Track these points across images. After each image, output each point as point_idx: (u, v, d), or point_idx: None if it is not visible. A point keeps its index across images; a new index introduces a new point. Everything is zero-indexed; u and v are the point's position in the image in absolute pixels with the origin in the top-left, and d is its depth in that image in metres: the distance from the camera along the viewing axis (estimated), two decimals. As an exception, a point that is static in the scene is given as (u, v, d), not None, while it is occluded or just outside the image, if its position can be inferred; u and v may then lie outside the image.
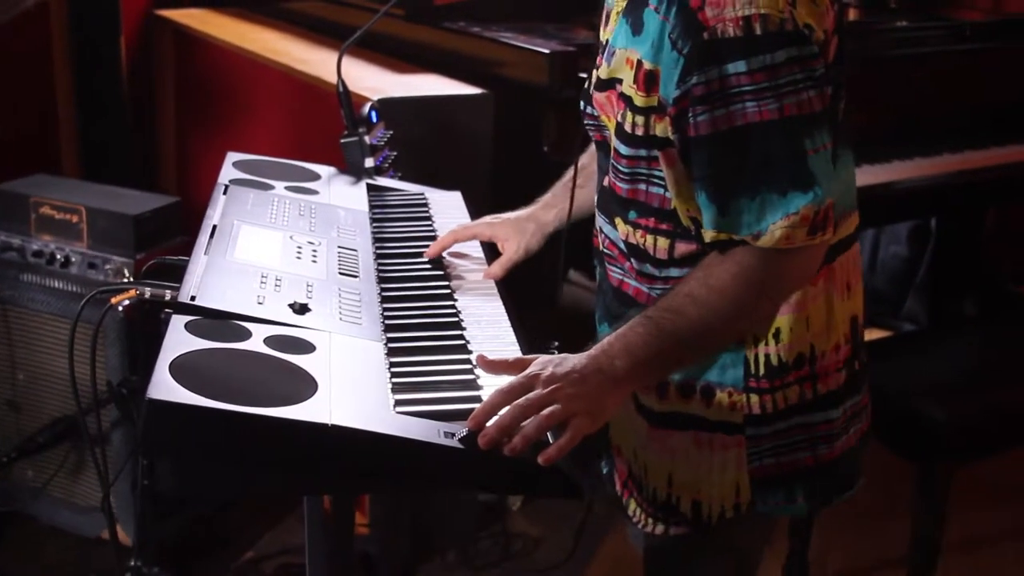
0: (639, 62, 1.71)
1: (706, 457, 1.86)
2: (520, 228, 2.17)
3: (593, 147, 2.01)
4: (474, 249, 2.24)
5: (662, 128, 1.71)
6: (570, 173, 2.14)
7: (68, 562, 3.26)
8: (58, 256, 3.21)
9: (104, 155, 4.39)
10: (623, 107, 1.76)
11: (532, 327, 1.95)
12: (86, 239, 3.22)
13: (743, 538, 2.00)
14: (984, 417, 2.94)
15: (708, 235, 1.69)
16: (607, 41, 1.83)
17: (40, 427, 3.23)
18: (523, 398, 1.56)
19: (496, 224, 2.21)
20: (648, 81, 1.70)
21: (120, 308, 2.94)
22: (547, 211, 2.18)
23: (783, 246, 1.62)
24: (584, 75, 2.08)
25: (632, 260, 1.86)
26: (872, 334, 4.49)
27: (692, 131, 1.65)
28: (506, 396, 1.57)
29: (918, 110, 3.65)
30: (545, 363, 1.62)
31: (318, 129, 3.13)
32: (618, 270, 1.91)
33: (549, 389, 1.58)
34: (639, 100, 1.72)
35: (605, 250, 1.94)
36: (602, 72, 1.83)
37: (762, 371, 1.81)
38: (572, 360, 1.63)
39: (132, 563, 3.02)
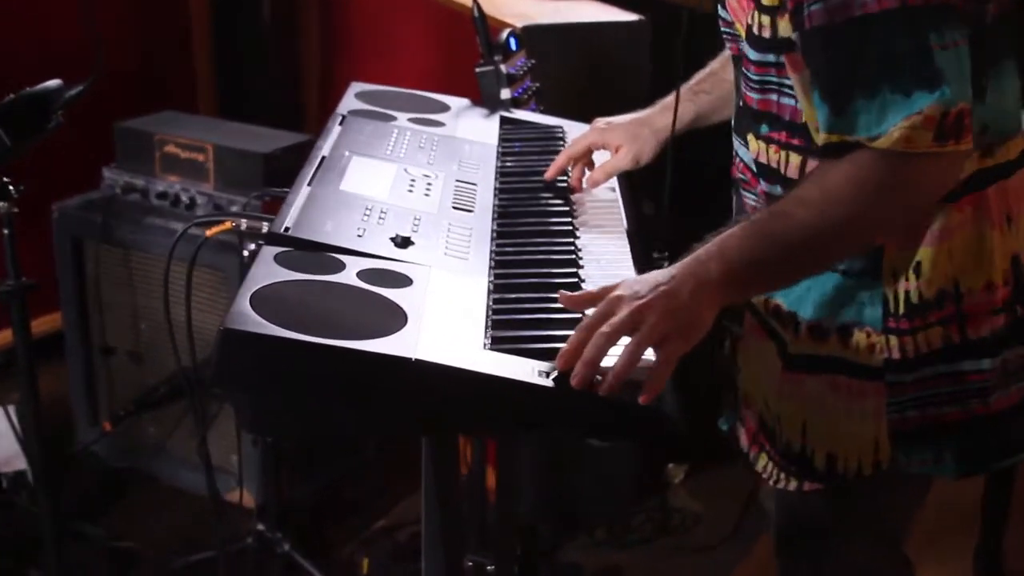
0: None
1: (843, 404, 1.86)
2: (633, 134, 2.20)
3: (727, 53, 2.02)
4: (607, 183, 2.25)
5: (785, 27, 1.70)
6: (695, 77, 2.20)
7: (189, 525, 3.37)
8: (183, 198, 3.31)
9: (242, 91, 4.51)
10: (752, 7, 1.77)
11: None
12: (213, 179, 3.30)
13: (884, 502, 2.00)
14: None
15: (820, 138, 1.67)
16: None
17: (161, 380, 3.32)
18: (606, 324, 1.55)
19: (608, 131, 2.25)
20: None
21: (246, 253, 3.05)
22: (664, 114, 2.19)
23: (902, 148, 1.58)
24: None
25: (762, 181, 1.87)
26: None
27: (807, 23, 1.63)
28: (589, 329, 1.56)
29: None
30: (629, 284, 1.61)
31: (464, 60, 3.19)
32: (752, 196, 1.92)
33: (633, 308, 1.56)
34: None
35: (740, 175, 1.95)
36: None
37: (902, 309, 1.80)
38: (657, 273, 1.61)
39: (257, 527, 3.15)
